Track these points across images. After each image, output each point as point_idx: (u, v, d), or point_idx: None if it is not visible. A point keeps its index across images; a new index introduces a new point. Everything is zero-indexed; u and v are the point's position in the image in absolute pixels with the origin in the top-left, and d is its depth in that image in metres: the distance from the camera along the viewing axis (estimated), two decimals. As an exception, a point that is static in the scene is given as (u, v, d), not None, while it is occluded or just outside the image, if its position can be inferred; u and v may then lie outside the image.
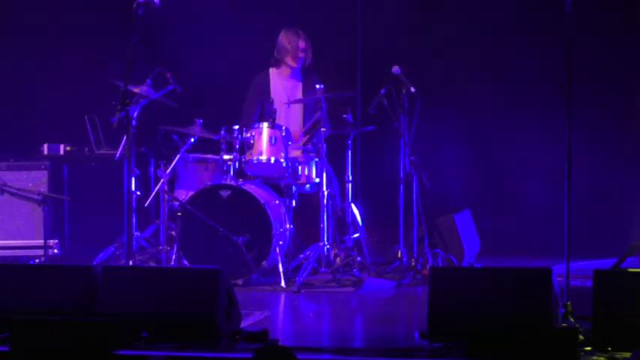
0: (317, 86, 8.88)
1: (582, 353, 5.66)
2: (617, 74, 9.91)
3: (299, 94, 9.35)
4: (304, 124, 9.36)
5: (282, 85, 9.38)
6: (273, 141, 8.70)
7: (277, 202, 8.78)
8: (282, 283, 8.31)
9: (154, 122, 8.92)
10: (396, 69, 8.95)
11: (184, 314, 5.98)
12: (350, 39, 10.35)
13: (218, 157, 8.83)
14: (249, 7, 10.22)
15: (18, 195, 9.14)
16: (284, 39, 9.35)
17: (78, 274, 6.23)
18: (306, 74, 9.40)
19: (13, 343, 5.59)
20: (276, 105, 9.15)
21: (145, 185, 9.11)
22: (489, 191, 10.20)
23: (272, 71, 9.44)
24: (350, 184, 9.08)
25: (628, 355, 5.43)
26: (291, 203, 8.94)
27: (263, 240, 8.46)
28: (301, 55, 9.31)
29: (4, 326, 5.77)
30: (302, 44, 9.30)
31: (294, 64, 9.33)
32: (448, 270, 7.32)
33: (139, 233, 8.92)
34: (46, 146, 9.48)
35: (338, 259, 8.75)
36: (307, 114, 9.39)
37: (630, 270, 6.11)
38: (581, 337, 5.87)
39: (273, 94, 9.32)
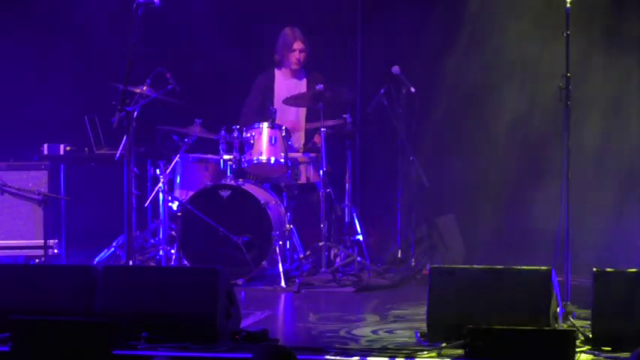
0: (317, 87, 8.86)
1: (582, 353, 5.66)
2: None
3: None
4: (306, 128, 9.36)
5: (286, 84, 9.36)
6: (273, 141, 8.70)
7: (277, 202, 8.78)
8: (282, 283, 8.31)
9: (154, 122, 8.92)
10: (395, 69, 8.96)
11: (184, 314, 5.98)
12: (350, 39, 10.35)
13: (218, 157, 8.83)
14: (250, 7, 10.21)
15: (18, 195, 9.13)
16: (282, 40, 9.34)
17: (78, 274, 6.24)
18: (310, 74, 9.37)
19: (13, 343, 5.59)
20: (277, 104, 9.15)
21: (144, 185, 9.11)
22: (489, 191, 10.19)
23: (277, 71, 9.44)
24: (349, 184, 9.08)
25: (627, 355, 5.43)
26: (291, 203, 8.95)
27: (263, 240, 8.46)
28: (298, 56, 9.29)
29: (4, 326, 5.77)
30: (298, 45, 9.28)
31: (292, 66, 9.32)
32: (448, 270, 7.31)
33: (138, 233, 8.93)
34: (46, 146, 9.47)
35: (338, 259, 8.76)
36: (309, 117, 9.38)
37: (630, 270, 6.11)
38: (580, 337, 5.88)
39: (276, 94, 9.32)
